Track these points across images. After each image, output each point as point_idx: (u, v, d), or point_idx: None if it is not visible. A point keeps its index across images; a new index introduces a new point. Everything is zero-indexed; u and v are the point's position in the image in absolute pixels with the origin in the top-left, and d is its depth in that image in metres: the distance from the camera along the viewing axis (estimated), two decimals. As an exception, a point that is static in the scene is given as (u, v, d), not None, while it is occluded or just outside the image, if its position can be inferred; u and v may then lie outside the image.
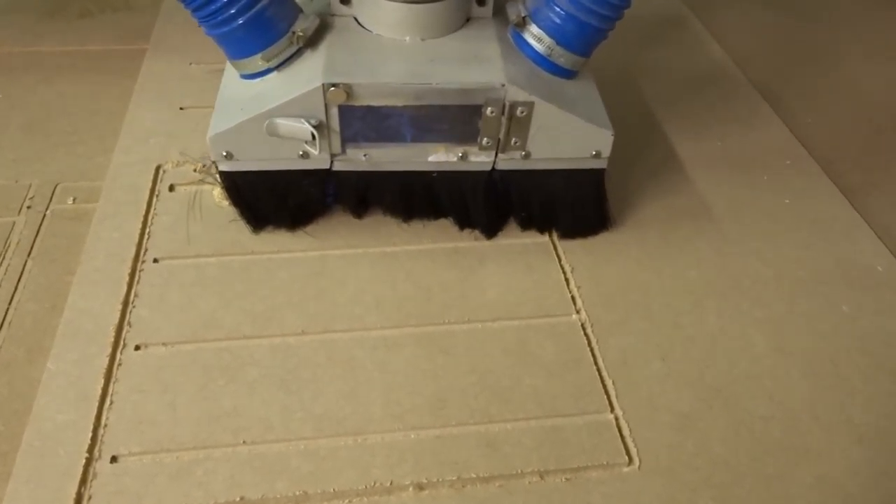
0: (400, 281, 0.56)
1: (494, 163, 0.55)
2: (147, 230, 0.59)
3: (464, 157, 0.54)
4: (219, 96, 0.55)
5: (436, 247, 0.59)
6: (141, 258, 0.56)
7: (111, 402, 0.47)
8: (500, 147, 0.54)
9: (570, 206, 0.58)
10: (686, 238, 0.61)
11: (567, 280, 0.57)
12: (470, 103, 0.51)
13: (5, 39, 0.83)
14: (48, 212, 0.61)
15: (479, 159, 0.55)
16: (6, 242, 0.58)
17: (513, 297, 0.56)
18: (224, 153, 0.53)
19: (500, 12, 0.57)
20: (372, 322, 0.53)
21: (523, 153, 0.54)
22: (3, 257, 0.57)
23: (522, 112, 0.51)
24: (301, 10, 0.53)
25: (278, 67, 0.52)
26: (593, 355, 0.52)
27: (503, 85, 0.50)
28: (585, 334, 0.53)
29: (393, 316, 0.54)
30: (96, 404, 0.47)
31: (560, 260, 0.59)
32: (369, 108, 0.51)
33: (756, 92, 0.80)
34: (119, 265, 0.56)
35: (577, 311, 0.55)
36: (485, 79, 0.51)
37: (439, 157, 0.54)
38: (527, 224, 0.60)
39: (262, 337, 0.52)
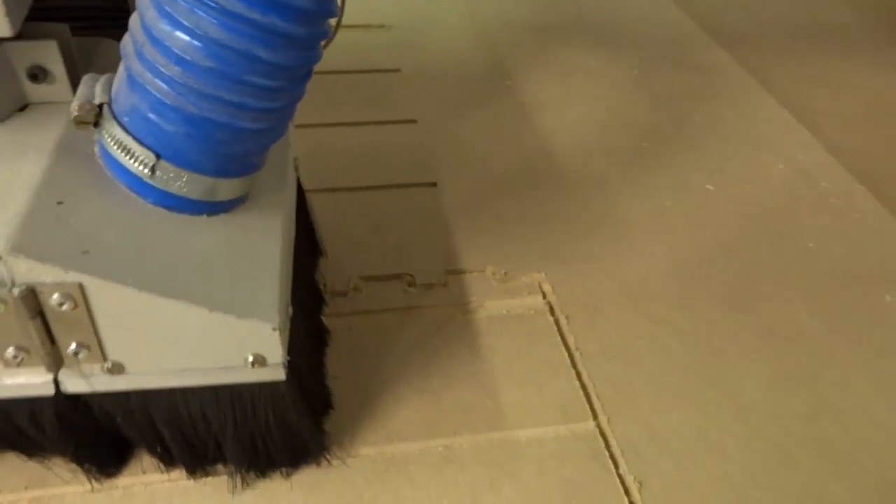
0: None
1: (57, 383, 0.34)
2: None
3: None
4: None
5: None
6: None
7: None
8: (54, 360, 0.33)
9: (242, 433, 0.38)
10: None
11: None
12: None
13: None
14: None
15: (18, 381, 0.34)
16: None
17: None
18: None
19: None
20: None
21: (108, 365, 0.34)
22: None
23: (65, 304, 0.31)
24: None
25: None
26: None
27: None
28: None
29: None
30: None
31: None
32: None
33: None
34: None
35: None
36: None
37: None
38: (167, 457, 0.41)
39: None
